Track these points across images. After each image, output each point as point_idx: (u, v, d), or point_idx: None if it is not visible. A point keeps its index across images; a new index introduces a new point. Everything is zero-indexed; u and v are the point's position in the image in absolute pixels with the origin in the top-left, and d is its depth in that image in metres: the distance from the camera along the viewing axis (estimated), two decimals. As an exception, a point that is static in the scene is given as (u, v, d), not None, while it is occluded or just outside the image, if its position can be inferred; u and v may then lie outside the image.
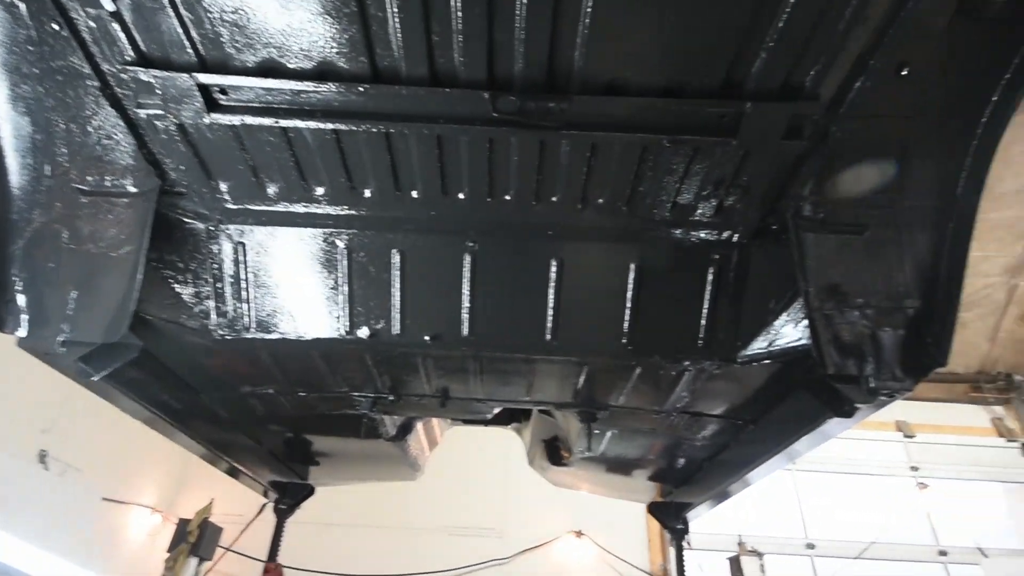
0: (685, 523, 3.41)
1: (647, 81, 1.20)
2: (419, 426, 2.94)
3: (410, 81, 1.22)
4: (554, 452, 3.03)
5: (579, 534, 6.63)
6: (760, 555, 5.51)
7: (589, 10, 1.07)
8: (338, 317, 1.79)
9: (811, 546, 6.38)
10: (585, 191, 1.47)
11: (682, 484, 3.06)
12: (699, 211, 1.54)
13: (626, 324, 1.76)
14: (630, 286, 1.71)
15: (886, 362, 1.51)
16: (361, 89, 1.23)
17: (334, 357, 2.01)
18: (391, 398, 2.20)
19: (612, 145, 1.32)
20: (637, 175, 1.42)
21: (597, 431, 2.43)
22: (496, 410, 2.51)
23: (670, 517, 3.38)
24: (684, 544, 3.65)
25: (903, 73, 1.40)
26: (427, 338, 1.78)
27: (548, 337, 1.78)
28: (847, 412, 1.66)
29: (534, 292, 1.73)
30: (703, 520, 6.06)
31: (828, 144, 1.37)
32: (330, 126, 1.30)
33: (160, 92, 1.27)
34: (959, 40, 1.38)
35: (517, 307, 1.76)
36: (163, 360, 2.03)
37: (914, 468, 6.49)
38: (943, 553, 6.12)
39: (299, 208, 1.59)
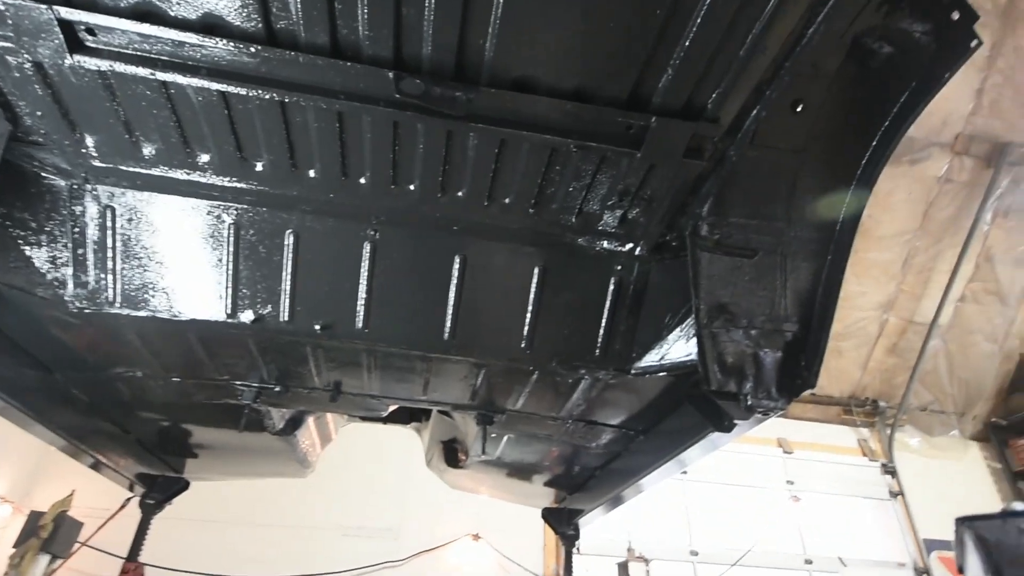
0: (576, 529, 3.46)
1: (557, 83, 1.18)
2: (310, 421, 2.79)
3: (309, 49, 1.13)
4: (452, 454, 2.98)
5: (476, 537, 6.60)
6: (647, 561, 5.74)
7: (501, 1, 1.04)
8: (220, 297, 1.65)
9: (695, 553, 6.71)
10: (492, 188, 1.44)
11: (576, 490, 3.10)
12: (604, 221, 1.55)
13: (526, 328, 1.74)
14: (533, 290, 1.70)
15: (764, 382, 1.59)
16: (253, 50, 1.13)
17: (214, 341, 1.85)
18: (277, 389, 2.06)
19: (520, 144, 1.29)
20: (545, 178, 1.41)
21: (494, 435, 2.41)
22: (392, 408, 2.43)
23: (562, 523, 3.42)
24: (575, 549, 3.71)
25: (798, 109, 1.49)
26: (318, 327, 1.68)
27: (447, 336, 1.73)
28: (726, 427, 1.73)
29: (435, 288, 1.67)
30: (596, 526, 6.23)
31: (726, 167, 1.42)
32: (217, 87, 1.19)
33: (12, 22, 1.11)
34: (848, 85, 1.48)
35: (416, 302, 1.70)
36: (9, 334, 1.79)
37: (790, 482, 7.00)
38: (808, 562, 6.64)
39: (180, 175, 1.44)
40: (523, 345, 1.76)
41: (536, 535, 6.61)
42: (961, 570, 1.58)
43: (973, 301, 7.11)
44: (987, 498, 7.11)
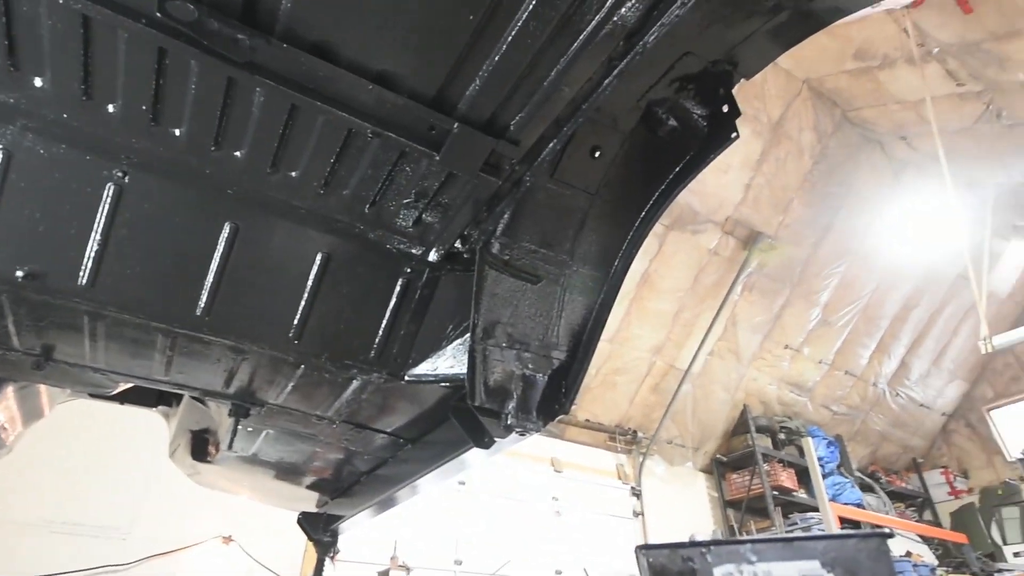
0: (334, 535, 3.29)
1: (362, 60, 1.10)
2: (9, 391, 2.24)
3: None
4: (201, 446, 2.63)
5: (227, 540, 5.97)
6: (409, 570, 5.71)
7: None
8: None
9: (459, 562, 6.87)
10: (278, 157, 1.29)
11: (339, 495, 2.95)
12: (399, 218, 1.50)
13: (297, 317, 1.60)
14: (311, 277, 1.56)
15: (526, 403, 1.65)
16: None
17: None
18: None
19: (315, 115, 1.18)
20: (339, 159, 1.31)
21: (250, 429, 2.17)
22: (124, 385, 2.06)
23: (318, 528, 3.22)
24: (331, 557, 3.52)
25: (596, 155, 1.60)
26: (20, 274, 1.34)
27: (200, 311, 1.51)
28: (485, 444, 1.77)
29: (193, 254, 1.45)
30: (362, 534, 6.04)
31: (521, 191, 1.47)
32: None
33: None
34: (639, 145, 1.64)
35: (167, 266, 1.45)
36: None
37: (555, 498, 7.58)
38: (559, 572, 7.22)
39: None
40: (291, 335, 1.61)
41: (297, 540, 6.19)
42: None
43: (718, 356, 8.51)
44: (705, 521, 8.46)
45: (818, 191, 7.90)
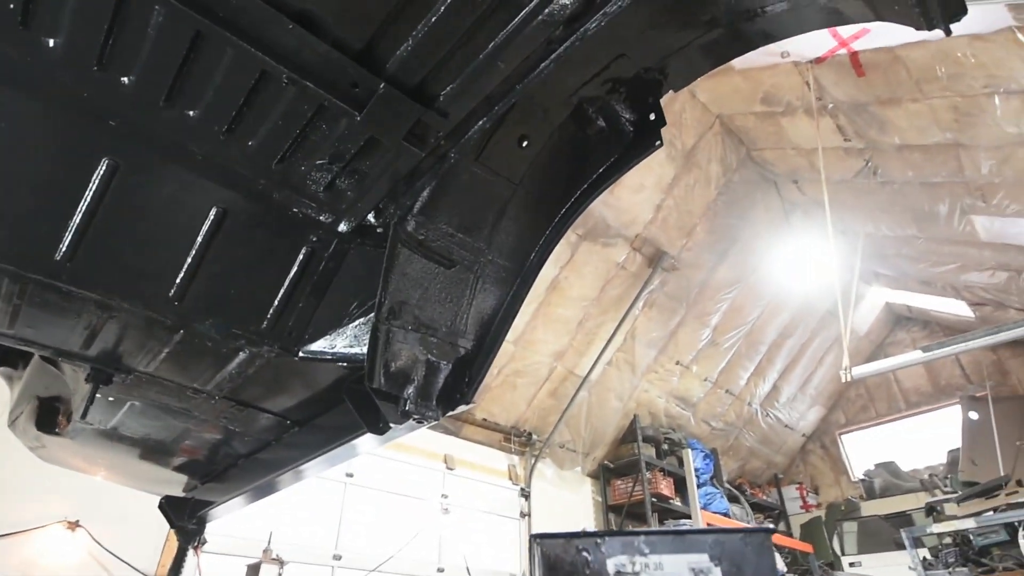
0: (201, 523, 3.02)
1: (284, -6, 1.01)
2: None
3: None
4: (48, 415, 2.31)
5: (74, 525, 5.34)
6: (283, 563, 5.40)
7: None
8: None
9: (338, 557, 6.61)
10: (174, 89, 1.15)
11: (211, 479, 2.71)
12: (309, 180, 1.39)
13: (181, 275, 1.43)
14: (202, 233, 1.41)
15: (427, 391, 1.60)
16: None
17: None
18: None
19: (222, 46, 1.06)
20: (248, 103, 1.18)
21: (111, 399, 1.93)
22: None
23: (183, 515, 2.95)
24: (194, 547, 3.23)
25: (523, 144, 1.58)
26: None
27: (60, 255, 1.31)
28: (380, 429, 1.69)
29: (58, 189, 1.26)
30: (235, 524, 5.64)
31: (444, 169, 1.42)
32: None
33: None
34: (567, 140, 1.64)
35: (23, 198, 1.25)
36: None
37: (444, 496, 7.51)
38: (441, 570, 7.15)
39: None
40: (172, 294, 1.44)
41: (158, 528, 5.66)
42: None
43: (615, 367, 8.85)
44: (588, 524, 8.74)
45: (719, 220, 8.45)
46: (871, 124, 6.63)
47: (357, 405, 1.67)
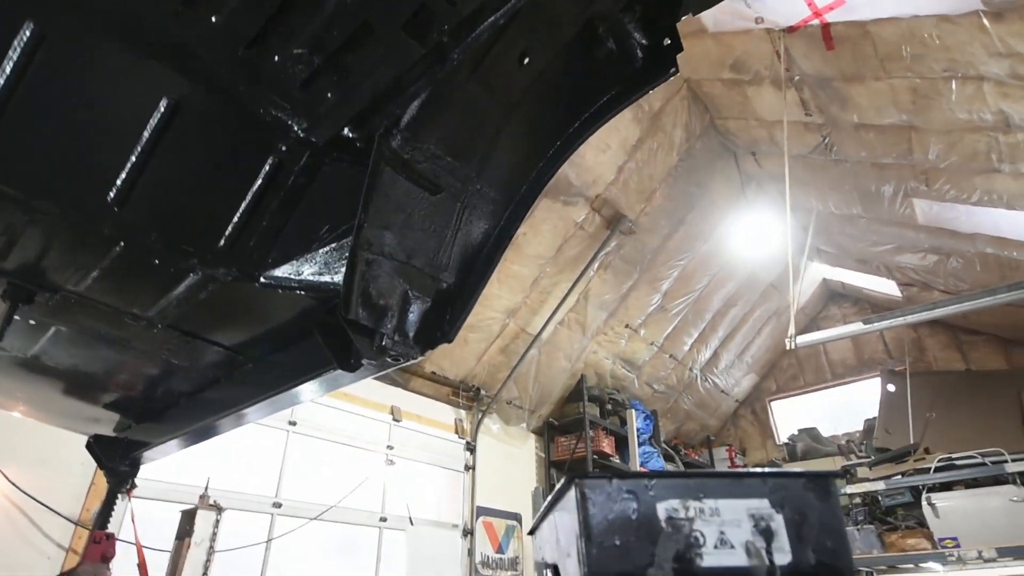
0: (134, 465, 2.80)
1: None
2: None
3: None
4: (-45, 341, 2.02)
5: (-14, 468, 4.94)
6: (221, 510, 5.22)
7: None
8: None
9: (278, 505, 6.47)
10: None
11: (147, 419, 2.49)
12: (283, 75, 1.19)
13: (123, 176, 1.22)
14: (149, 128, 1.19)
15: (405, 325, 1.46)
16: None
17: None
18: None
19: None
20: None
21: (33, 322, 1.69)
22: None
23: (114, 456, 2.72)
24: (125, 491, 3.02)
25: (524, 62, 1.42)
26: None
27: (-33, 138, 1.08)
28: (352, 366, 1.54)
29: (-32, 53, 1.02)
30: (169, 467, 5.39)
31: (440, 76, 1.25)
32: None
33: None
34: (572, 61, 1.49)
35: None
36: None
37: (390, 447, 7.45)
38: (383, 519, 7.15)
39: None
40: (111, 198, 1.23)
41: (84, 469, 5.33)
42: (532, 531, 1.72)
43: (566, 327, 8.92)
44: (529, 479, 8.94)
45: (679, 187, 8.50)
46: (833, 100, 6.73)
47: (328, 340, 1.51)
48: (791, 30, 6.17)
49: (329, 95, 1.23)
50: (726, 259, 9.62)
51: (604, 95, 1.54)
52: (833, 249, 10.02)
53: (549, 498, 0.80)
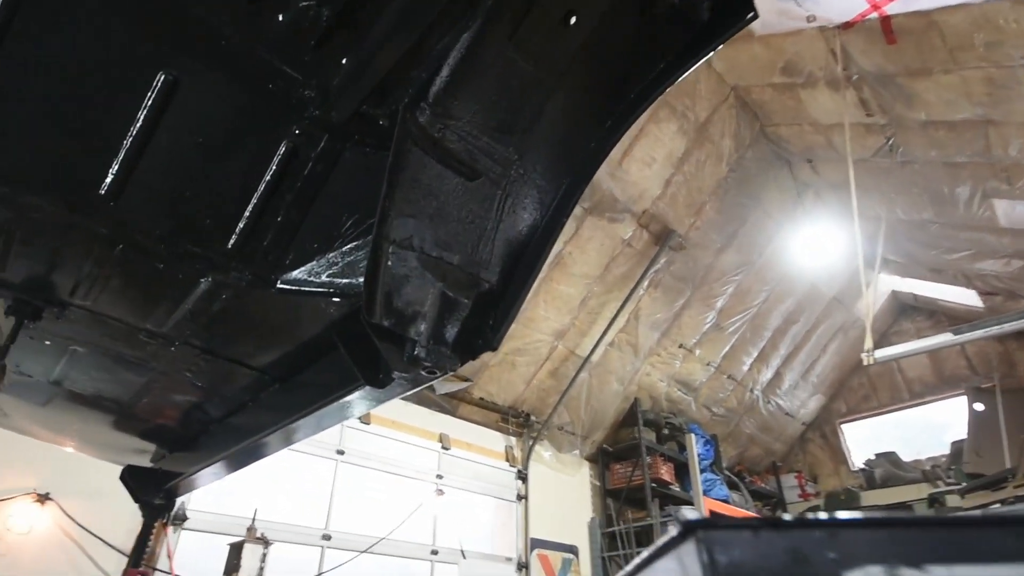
0: (169, 497, 2.68)
1: None
2: None
3: None
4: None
5: (43, 499, 4.99)
6: (268, 543, 5.09)
7: None
8: None
9: (327, 537, 6.32)
10: None
11: (180, 448, 2.37)
12: (291, 38, 1.03)
13: (117, 164, 1.07)
14: (145, 107, 1.05)
15: (440, 330, 1.25)
16: None
17: None
18: None
19: None
20: None
21: (48, 342, 1.57)
22: None
23: (148, 488, 2.60)
24: (170, 524, 2.90)
25: (570, 22, 1.22)
26: None
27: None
28: (380, 381, 1.34)
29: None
30: (216, 499, 5.32)
31: (471, 34, 1.06)
32: None
33: None
34: (627, 19, 1.28)
35: None
36: None
37: (439, 476, 7.22)
38: (435, 552, 6.88)
39: None
40: (104, 190, 1.08)
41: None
42: None
43: (617, 348, 8.55)
44: (585, 509, 8.50)
45: (730, 199, 8.11)
46: (897, 97, 6.27)
47: (352, 350, 1.31)
48: (847, 26, 5.81)
49: (344, 60, 1.06)
50: (783, 273, 9.08)
51: (664, 60, 1.32)
52: (902, 258, 9.31)
53: (645, 555, 0.50)
